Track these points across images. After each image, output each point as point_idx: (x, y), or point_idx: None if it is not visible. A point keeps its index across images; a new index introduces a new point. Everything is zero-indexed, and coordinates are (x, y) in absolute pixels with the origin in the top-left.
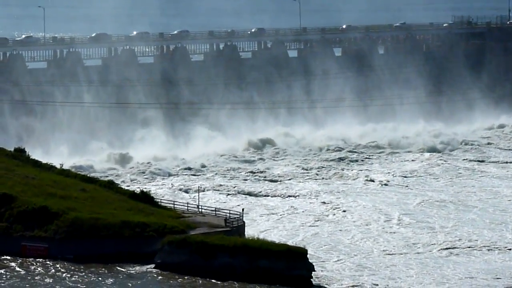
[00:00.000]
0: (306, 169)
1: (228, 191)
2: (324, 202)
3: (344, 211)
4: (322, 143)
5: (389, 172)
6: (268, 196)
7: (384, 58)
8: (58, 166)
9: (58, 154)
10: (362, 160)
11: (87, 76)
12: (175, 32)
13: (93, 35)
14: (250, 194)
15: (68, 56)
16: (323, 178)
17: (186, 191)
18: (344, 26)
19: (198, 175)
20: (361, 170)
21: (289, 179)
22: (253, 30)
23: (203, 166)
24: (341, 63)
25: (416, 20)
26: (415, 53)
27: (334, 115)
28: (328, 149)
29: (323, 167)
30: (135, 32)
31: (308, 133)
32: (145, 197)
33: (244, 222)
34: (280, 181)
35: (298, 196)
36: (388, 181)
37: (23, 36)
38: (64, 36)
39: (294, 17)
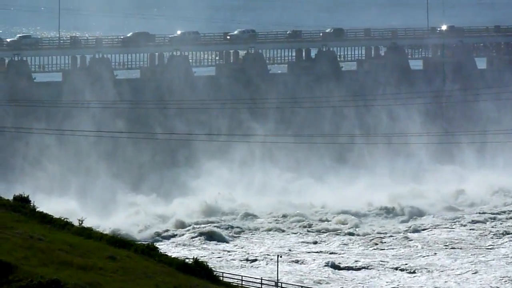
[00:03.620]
0: None
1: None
2: None
3: None
4: None
5: None
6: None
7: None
8: (76, 223)
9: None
10: None
11: (119, 94)
12: (236, 32)
13: (129, 35)
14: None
15: (93, 64)
16: None
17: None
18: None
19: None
20: None
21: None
22: (359, 30)
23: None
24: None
25: None
26: None
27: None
28: None
29: None
30: (179, 32)
31: None
32: (200, 269)
33: None
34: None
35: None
36: None
37: (18, 36)
38: (85, 35)
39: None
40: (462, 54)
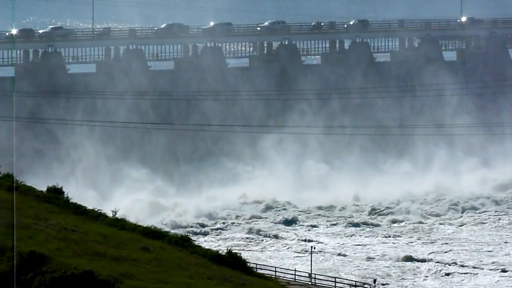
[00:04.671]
0: None
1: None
2: None
3: None
4: None
5: None
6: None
7: None
8: (110, 214)
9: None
10: None
11: (153, 85)
12: (266, 23)
13: (162, 26)
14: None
15: (127, 55)
16: None
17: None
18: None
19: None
20: None
21: None
22: (392, 21)
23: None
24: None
25: None
26: None
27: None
28: None
29: None
30: (212, 23)
31: None
32: (234, 260)
33: None
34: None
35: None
36: None
37: (49, 27)
38: (119, 27)
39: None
40: (495, 45)
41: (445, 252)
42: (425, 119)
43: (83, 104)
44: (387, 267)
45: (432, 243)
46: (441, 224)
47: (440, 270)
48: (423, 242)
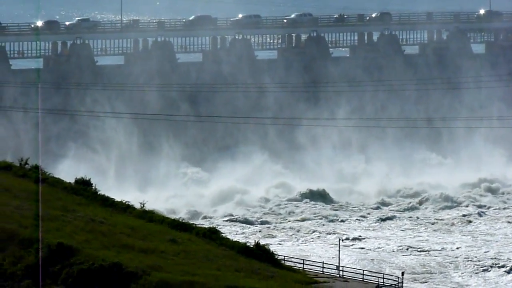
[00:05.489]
0: None
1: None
2: None
3: None
4: None
5: None
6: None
7: None
8: (138, 206)
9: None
10: None
11: (181, 77)
12: (293, 15)
13: (191, 18)
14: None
15: (155, 47)
16: None
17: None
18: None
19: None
20: None
21: None
22: (421, 14)
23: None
24: None
25: None
26: None
27: None
28: None
29: None
30: (240, 15)
31: None
32: (262, 253)
33: None
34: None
35: None
36: None
37: (76, 19)
38: (147, 19)
39: None
40: None
41: (484, 247)
42: (455, 111)
43: (111, 96)
44: (422, 258)
45: (473, 237)
46: (482, 217)
47: (477, 265)
48: (462, 235)
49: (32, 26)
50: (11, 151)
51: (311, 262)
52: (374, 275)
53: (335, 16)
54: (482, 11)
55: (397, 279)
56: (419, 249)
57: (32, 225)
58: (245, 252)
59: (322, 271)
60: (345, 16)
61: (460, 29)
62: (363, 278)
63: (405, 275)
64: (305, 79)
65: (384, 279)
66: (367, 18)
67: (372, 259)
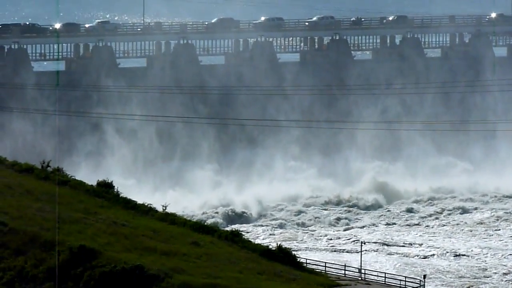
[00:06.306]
0: None
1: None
2: None
3: None
4: None
5: None
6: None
7: None
8: (160, 209)
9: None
10: None
11: (204, 79)
12: (314, 18)
13: (213, 20)
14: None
15: (178, 50)
16: None
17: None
18: None
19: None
20: None
21: None
22: (443, 17)
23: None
24: None
25: None
26: None
27: None
28: None
29: None
30: (263, 18)
31: None
32: (284, 256)
33: None
34: None
35: None
36: None
37: (96, 21)
38: (169, 21)
39: None
40: None
41: None
42: (477, 115)
43: (134, 98)
44: (449, 263)
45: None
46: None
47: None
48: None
49: (51, 28)
50: (35, 153)
51: (333, 264)
52: (395, 278)
53: (352, 19)
54: (503, 14)
55: (419, 282)
56: (447, 254)
57: (54, 227)
58: (268, 254)
59: (344, 273)
60: (362, 20)
61: (482, 32)
62: (385, 281)
63: (434, 280)
64: (328, 81)
65: (407, 281)
66: (384, 21)
67: (410, 265)
